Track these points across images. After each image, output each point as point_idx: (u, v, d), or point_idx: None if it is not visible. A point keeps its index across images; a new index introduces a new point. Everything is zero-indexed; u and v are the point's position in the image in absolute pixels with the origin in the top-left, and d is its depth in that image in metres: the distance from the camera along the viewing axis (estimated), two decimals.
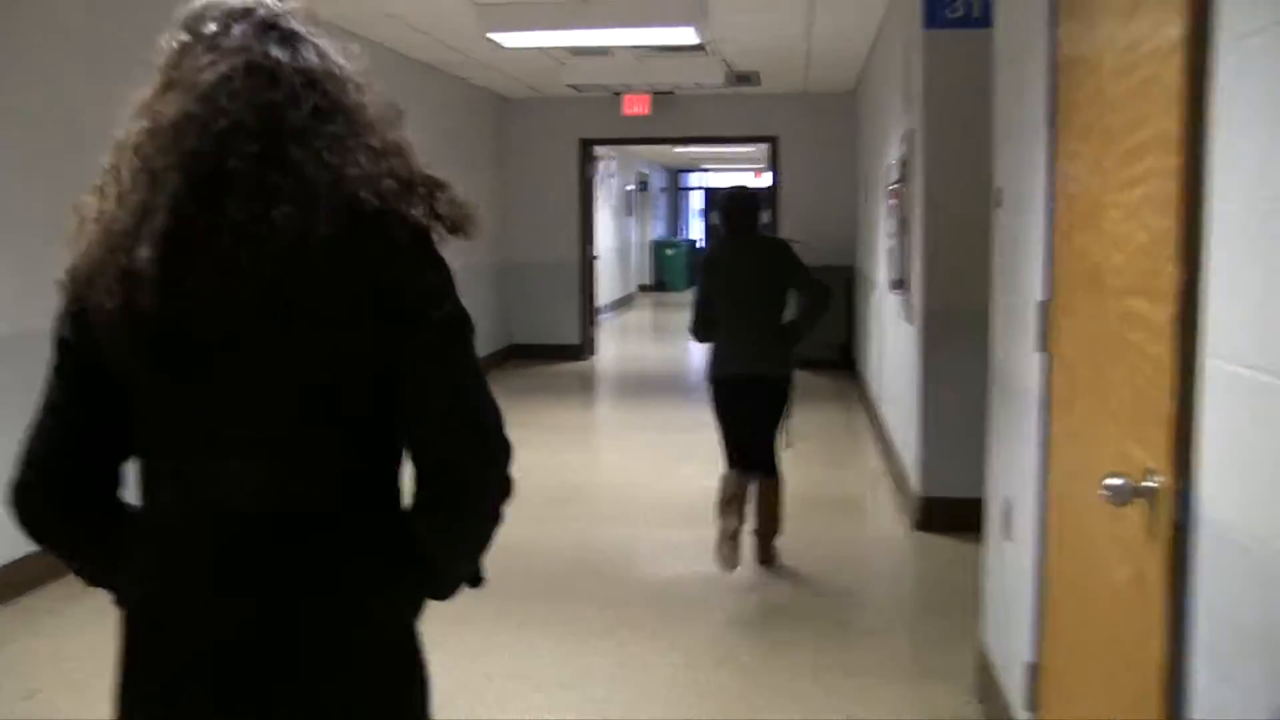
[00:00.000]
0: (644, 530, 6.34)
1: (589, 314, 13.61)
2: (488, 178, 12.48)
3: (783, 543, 5.50)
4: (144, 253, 1.46)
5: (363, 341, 1.50)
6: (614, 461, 8.63)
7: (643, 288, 25.13)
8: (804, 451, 6.95)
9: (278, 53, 1.54)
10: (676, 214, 29.99)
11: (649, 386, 12.16)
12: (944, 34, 5.81)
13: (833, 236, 12.22)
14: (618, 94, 12.32)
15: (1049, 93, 3.02)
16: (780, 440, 5.41)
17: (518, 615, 4.81)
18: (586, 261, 13.44)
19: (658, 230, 27.74)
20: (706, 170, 29.38)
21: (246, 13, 1.57)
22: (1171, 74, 1.98)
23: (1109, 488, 2.10)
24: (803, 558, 5.52)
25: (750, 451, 5.33)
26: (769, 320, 5.36)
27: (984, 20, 5.20)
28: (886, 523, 6.45)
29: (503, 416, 1.56)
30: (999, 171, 3.87)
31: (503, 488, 1.55)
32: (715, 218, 5.07)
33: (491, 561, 1.67)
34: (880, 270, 8.46)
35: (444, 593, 1.66)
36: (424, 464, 1.54)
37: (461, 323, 1.55)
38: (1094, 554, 2.42)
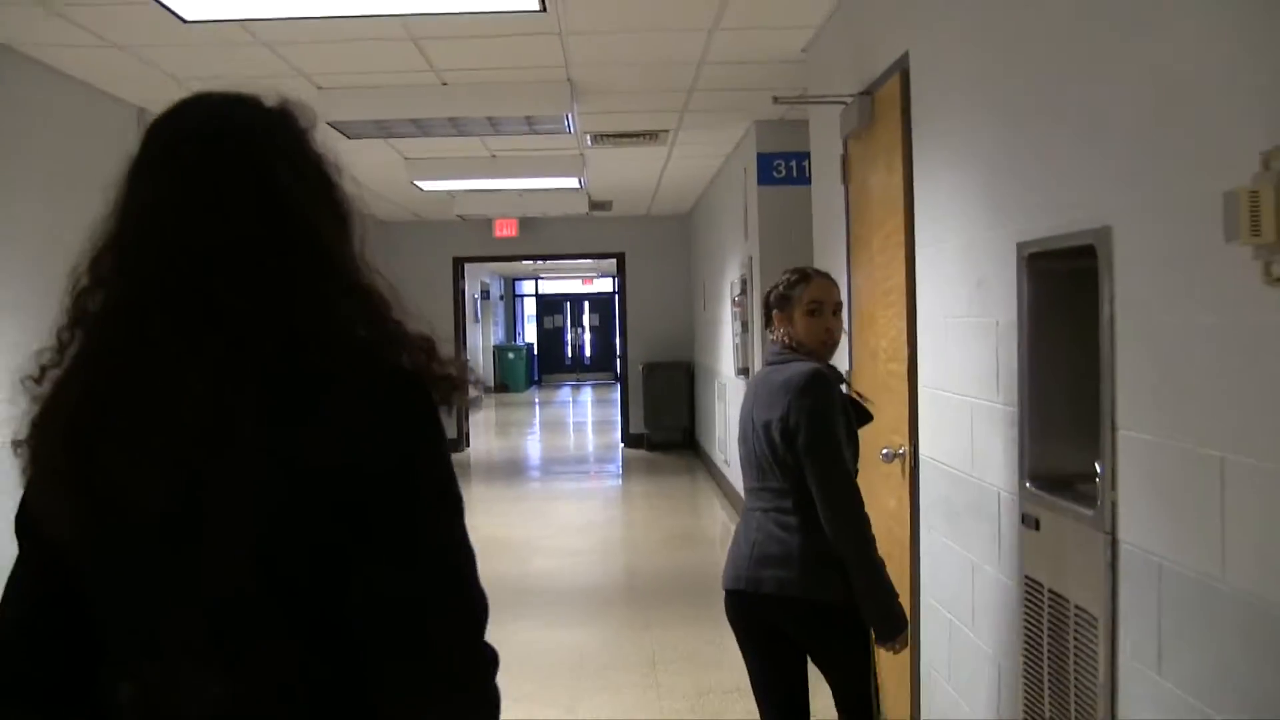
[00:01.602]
0: (531, 561, 8.31)
1: (463, 410, 15.45)
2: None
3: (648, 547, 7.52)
4: (59, 425, 1.32)
5: (316, 531, 1.29)
6: (488, 527, 10.57)
7: (486, 389, 26.99)
8: (665, 505, 9.06)
9: (243, 176, 1.35)
10: (514, 319, 32.01)
11: (517, 469, 14.23)
12: (772, 189, 8.07)
13: (672, 336, 14.60)
14: (489, 219, 14.38)
15: (843, 231, 5.19)
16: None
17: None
18: (460, 368, 15.33)
19: (498, 335, 29.71)
20: (540, 279, 31.57)
21: (213, 134, 1.38)
22: (898, 246, 4.17)
23: (884, 455, 4.23)
24: (695, 574, 7.58)
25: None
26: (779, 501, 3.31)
27: (802, 179, 7.48)
28: None
29: (481, 619, 1.34)
30: None
31: (477, 710, 1.34)
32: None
33: None
34: (725, 362, 10.65)
35: None
36: (378, 678, 1.32)
37: (436, 508, 1.35)
38: (879, 491, 4.52)
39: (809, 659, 3.35)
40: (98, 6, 4.73)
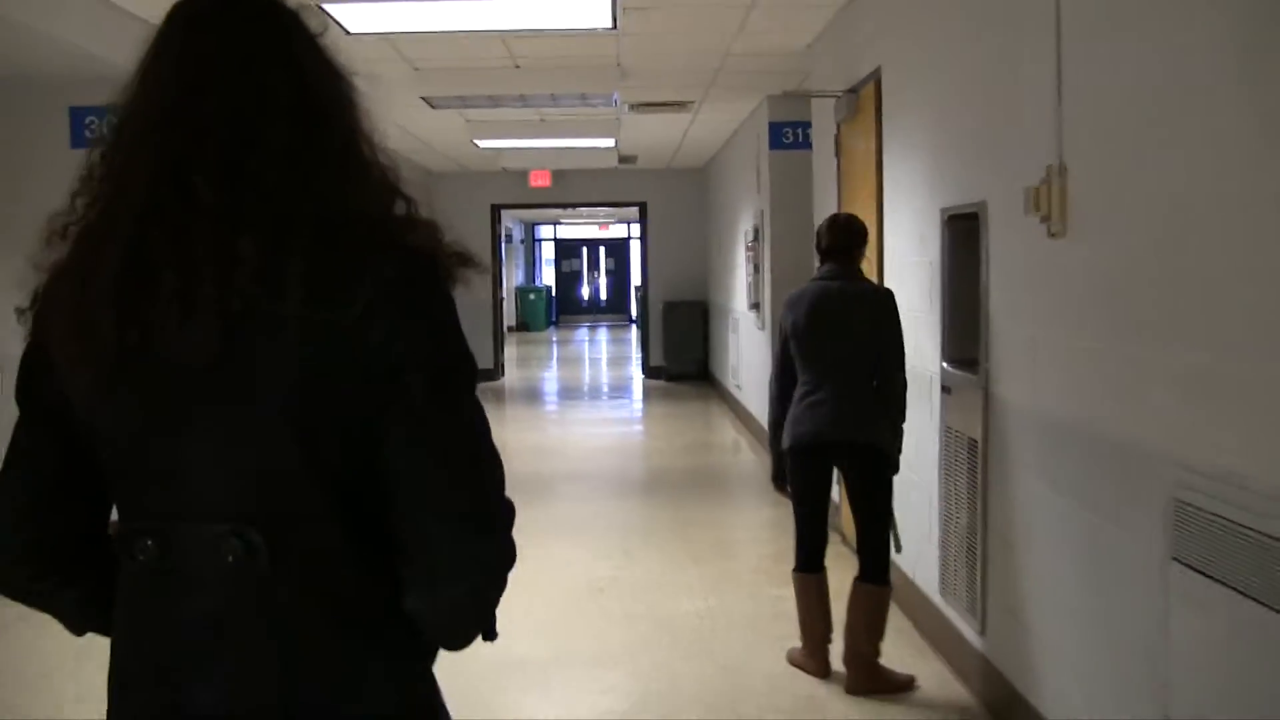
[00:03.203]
0: (573, 458, 10.05)
1: (500, 343, 17.13)
2: None
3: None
4: (103, 279, 1.33)
5: (345, 396, 1.34)
6: (532, 435, 12.29)
7: (509, 328, 28.67)
8: (683, 423, 10.78)
9: (265, 55, 1.39)
10: (533, 263, 33.59)
11: (549, 395, 16.01)
12: (781, 153, 9.64)
13: (688, 277, 16.25)
14: (524, 170, 15.94)
15: (836, 193, 6.80)
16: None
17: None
18: (496, 301, 16.98)
19: (519, 278, 31.29)
20: (559, 224, 33.12)
21: (231, 3, 1.42)
22: (872, 208, 5.78)
23: None
24: (713, 470, 9.26)
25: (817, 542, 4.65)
26: (868, 385, 4.49)
27: (806, 144, 9.06)
28: (749, 453, 10.25)
29: (502, 474, 1.41)
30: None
31: (493, 560, 1.38)
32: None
33: None
34: (737, 299, 12.27)
35: (451, 647, 1.47)
36: (406, 537, 1.37)
37: (460, 374, 1.40)
38: None
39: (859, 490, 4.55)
40: None
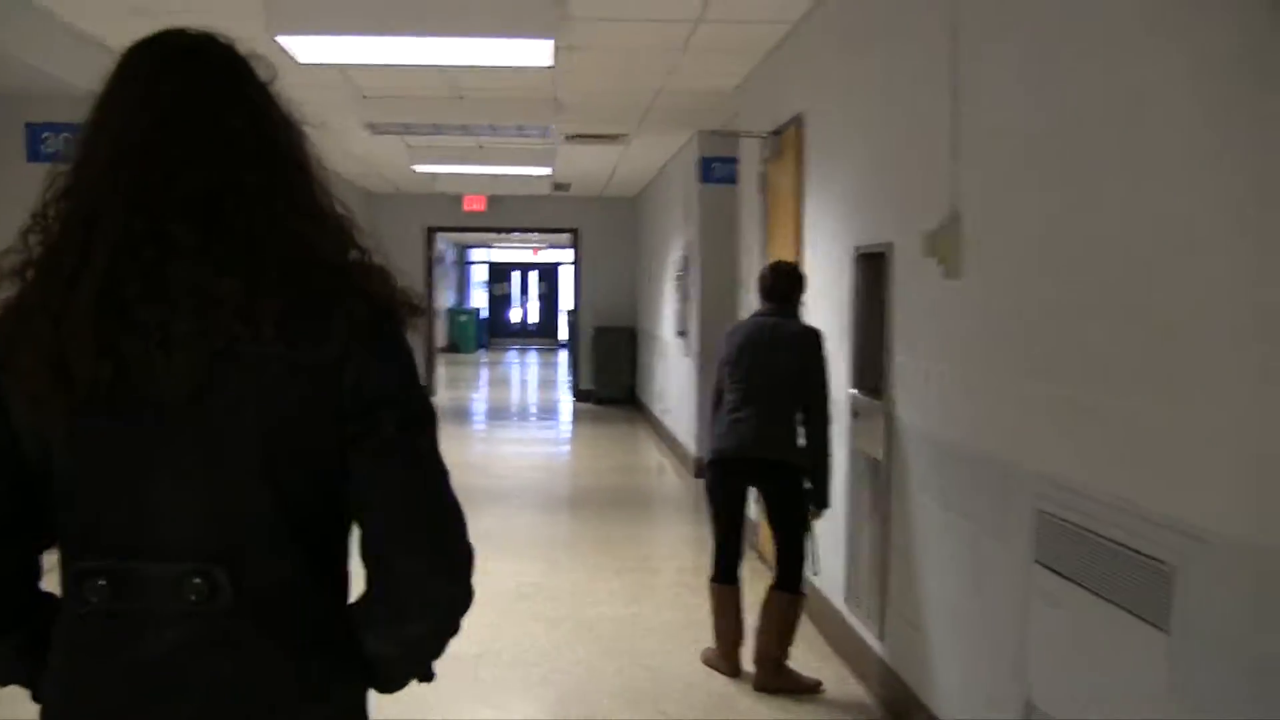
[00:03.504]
0: (502, 475, 10.35)
1: (431, 363, 17.36)
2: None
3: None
4: (79, 313, 1.34)
5: (317, 432, 1.39)
6: (463, 453, 12.57)
7: (439, 349, 28.80)
8: (610, 445, 11.12)
9: (232, 100, 1.43)
10: (464, 285, 33.76)
11: (480, 415, 16.24)
12: (710, 187, 10.05)
13: (618, 303, 16.63)
14: (459, 194, 16.22)
15: (761, 227, 7.20)
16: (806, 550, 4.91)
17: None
18: (429, 321, 17.21)
19: (450, 299, 31.45)
20: (491, 247, 33.33)
21: (196, 49, 1.45)
22: (793, 243, 6.18)
23: None
24: (638, 490, 9.60)
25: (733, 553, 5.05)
26: (788, 408, 4.86)
27: (734, 179, 9.47)
28: (673, 476, 10.60)
29: (464, 520, 1.46)
30: (741, 267, 8.05)
31: (460, 602, 1.44)
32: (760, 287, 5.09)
33: None
34: (665, 326, 12.65)
35: (388, 689, 1.53)
36: (377, 572, 1.42)
37: (426, 416, 1.46)
38: None
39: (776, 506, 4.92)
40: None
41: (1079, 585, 2.89)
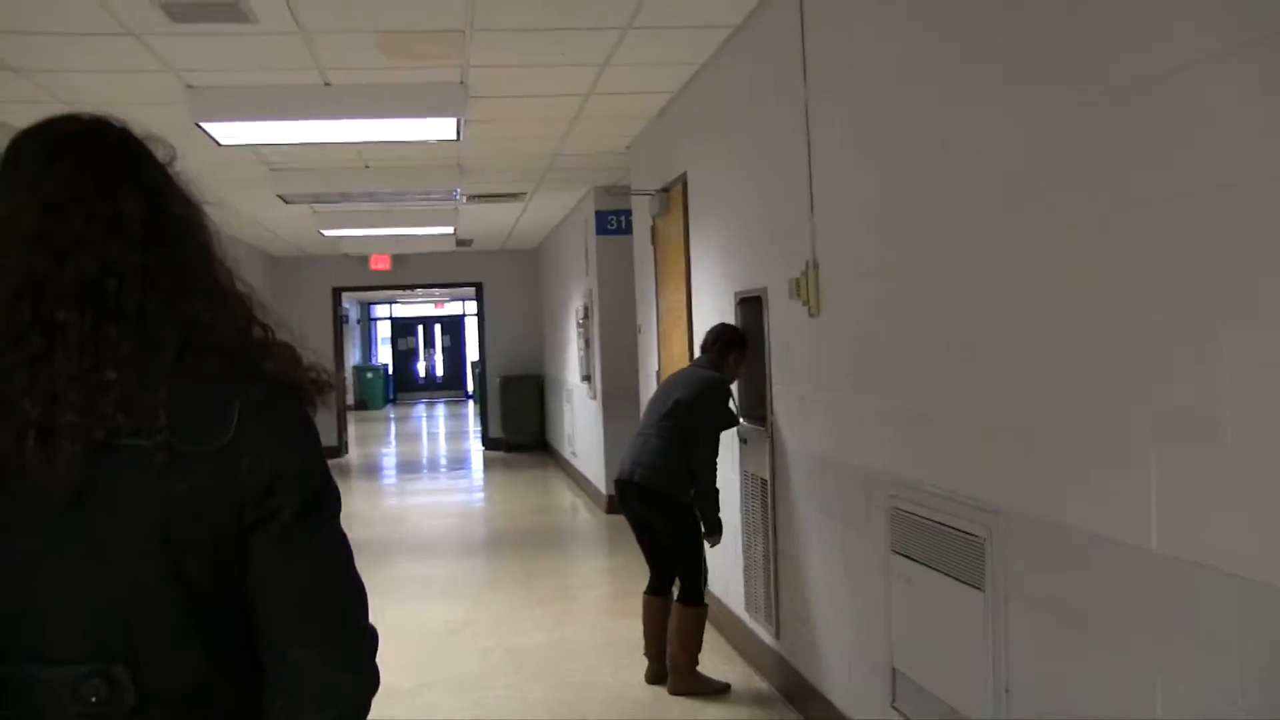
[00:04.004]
0: (420, 526, 10.81)
1: (343, 422, 17.71)
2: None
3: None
4: None
5: (215, 522, 1.35)
6: (380, 505, 12.98)
7: (348, 407, 29.02)
8: (523, 488, 11.68)
9: (125, 183, 1.40)
10: (369, 341, 34.01)
11: (392, 469, 16.65)
12: (606, 238, 10.69)
13: (524, 352, 17.19)
14: (364, 254, 16.67)
15: (654, 281, 7.84)
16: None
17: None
18: (340, 382, 17.53)
19: (355, 357, 31.68)
20: (394, 303, 33.66)
21: (88, 132, 1.44)
22: (683, 290, 6.83)
23: None
24: (554, 529, 10.14)
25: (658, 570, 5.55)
26: (671, 437, 5.31)
27: (629, 230, 10.11)
28: (586, 514, 11.15)
29: (366, 603, 1.45)
30: (639, 314, 8.68)
31: (362, 690, 1.41)
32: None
33: None
34: (571, 372, 13.24)
35: None
36: (274, 665, 1.39)
37: (327, 499, 1.44)
38: None
39: (660, 531, 5.38)
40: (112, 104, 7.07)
41: (924, 565, 3.53)
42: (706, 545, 5.45)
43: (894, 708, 3.83)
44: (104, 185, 1.39)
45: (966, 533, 3.22)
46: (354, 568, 1.46)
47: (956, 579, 3.28)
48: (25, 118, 1.47)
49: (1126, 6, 2.48)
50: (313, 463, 1.43)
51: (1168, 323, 2.36)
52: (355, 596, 1.44)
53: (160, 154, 1.49)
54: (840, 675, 4.51)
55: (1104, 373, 2.59)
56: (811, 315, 4.58)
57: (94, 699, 1.32)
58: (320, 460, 1.45)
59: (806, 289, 4.58)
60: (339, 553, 1.44)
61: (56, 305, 1.34)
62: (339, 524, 1.46)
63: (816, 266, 4.51)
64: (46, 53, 5.21)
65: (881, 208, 3.90)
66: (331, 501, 1.45)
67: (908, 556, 3.66)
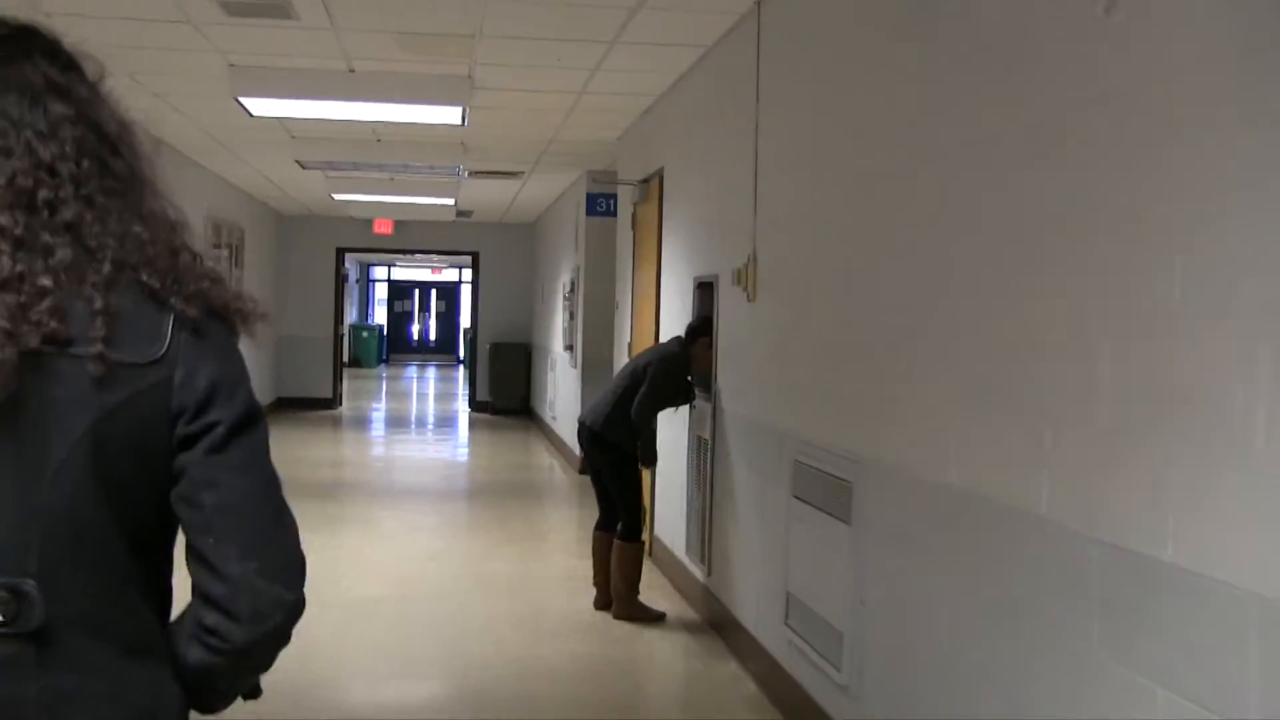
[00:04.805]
0: (406, 473, 11.70)
1: (339, 375, 18.56)
2: (269, 271, 17.29)
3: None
4: None
5: (144, 435, 1.34)
6: (369, 454, 13.87)
7: (343, 364, 29.85)
8: (506, 448, 12.58)
9: (56, 91, 1.38)
10: (367, 302, 34.82)
11: (380, 424, 17.56)
12: (595, 219, 11.52)
13: (514, 321, 18.06)
14: (368, 218, 17.50)
15: (632, 262, 8.69)
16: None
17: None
18: (338, 336, 18.42)
19: (353, 316, 32.50)
20: (393, 266, 34.47)
21: (16, 34, 1.41)
22: (654, 272, 7.69)
23: None
24: (529, 483, 11.04)
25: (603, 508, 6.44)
26: (623, 393, 6.23)
27: (614, 214, 10.96)
28: (561, 473, 12.04)
29: (296, 527, 1.42)
30: (616, 291, 9.54)
31: (293, 608, 1.38)
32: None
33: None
34: (556, 341, 14.11)
35: (212, 707, 1.47)
36: (206, 578, 1.35)
37: (253, 421, 1.40)
38: None
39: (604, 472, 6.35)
40: (163, 75, 7.91)
41: (813, 506, 4.41)
42: (647, 490, 6.35)
43: (786, 624, 4.71)
44: (33, 93, 1.38)
45: (840, 478, 4.09)
46: (281, 490, 1.44)
47: (832, 515, 4.16)
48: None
49: (1019, 57, 3.33)
50: (244, 383, 1.42)
51: (973, 317, 3.22)
52: (290, 518, 1.42)
53: (90, 70, 1.46)
54: (750, 603, 5.39)
55: (928, 353, 3.47)
56: (749, 300, 5.44)
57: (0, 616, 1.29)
58: (247, 383, 1.43)
59: (746, 277, 5.44)
60: (273, 476, 1.42)
61: None
62: (267, 446, 1.43)
63: (755, 259, 5.37)
64: (116, 32, 6.02)
65: (803, 214, 4.76)
66: (263, 426, 1.43)
67: (803, 500, 4.53)
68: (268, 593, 1.36)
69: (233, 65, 6.85)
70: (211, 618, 1.36)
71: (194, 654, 1.39)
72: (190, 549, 1.38)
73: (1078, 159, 2.69)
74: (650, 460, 6.49)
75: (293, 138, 9.66)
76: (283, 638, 1.40)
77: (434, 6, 5.75)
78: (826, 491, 4.25)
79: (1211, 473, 2.16)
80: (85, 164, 1.38)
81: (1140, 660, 2.34)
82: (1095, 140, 2.61)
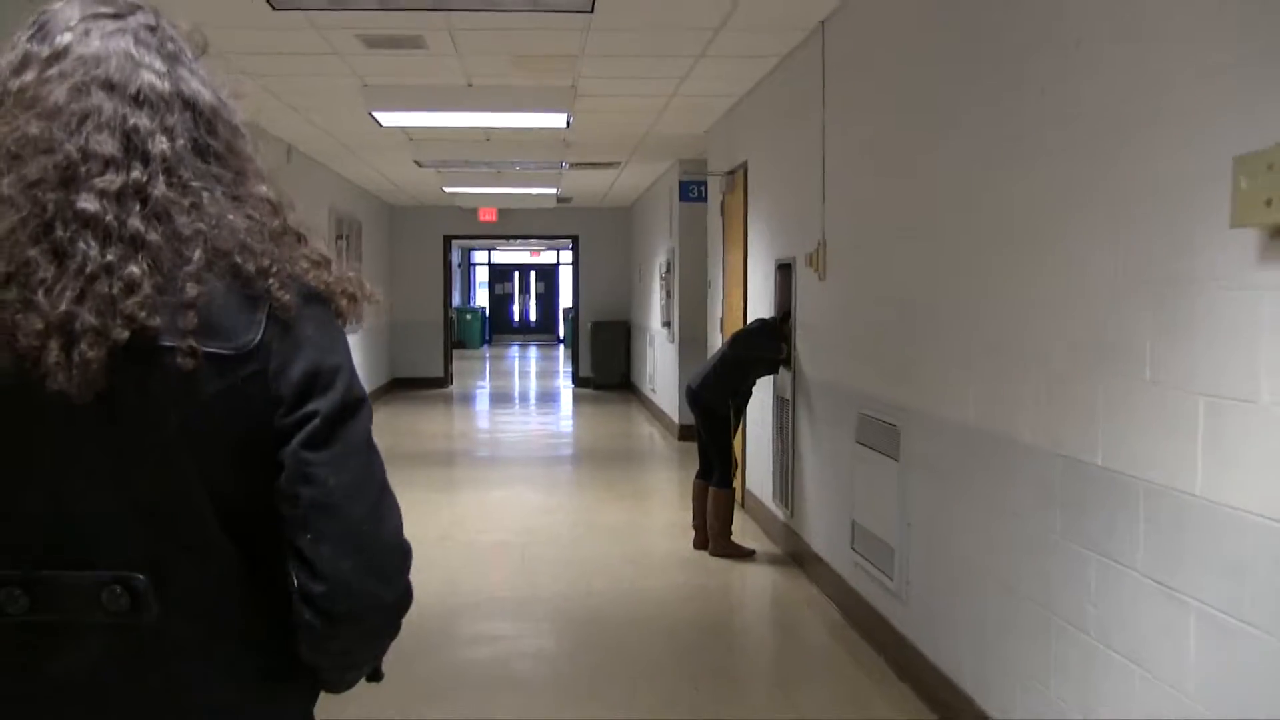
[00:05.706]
0: (517, 442, 12.80)
1: (449, 355, 19.77)
2: (382, 260, 18.51)
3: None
4: None
5: (244, 426, 1.30)
6: (481, 425, 15.00)
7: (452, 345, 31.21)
8: (608, 420, 13.62)
9: (151, 68, 1.34)
10: (469, 285, 36.14)
11: (489, 400, 18.80)
12: (688, 204, 12.44)
13: (613, 300, 19.08)
14: (473, 207, 18.62)
15: (722, 245, 9.62)
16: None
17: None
18: (447, 319, 19.63)
19: (455, 299, 33.80)
20: (493, 250, 35.73)
21: (116, 15, 1.36)
22: (740, 255, 8.61)
23: None
24: (631, 450, 12.07)
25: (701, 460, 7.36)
26: (721, 364, 7.30)
27: (705, 200, 11.87)
28: (661, 440, 13.03)
29: (400, 517, 1.37)
30: (710, 270, 10.47)
31: (393, 606, 1.35)
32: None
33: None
34: (654, 319, 15.08)
35: (334, 690, 1.47)
36: (303, 575, 1.32)
37: (352, 410, 1.34)
38: None
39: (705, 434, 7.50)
40: (305, 94, 9.00)
41: (871, 449, 5.32)
42: (739, 447, 7.31)
43: (852, 548, 5.64)
44: (133, 71, 1.33)
45: (890, 423, 5.00)
46: (388, 484, 1.38)
47: (886, 455, 5.07)
48: (247, 110, 1.46)
49: (1029, 77, 4.21)
50: (344, 370, 1.36)
51: (985, 290, 4.11)
52: (392, 509, 1.37)
53: (190, 47, 1.42)
54: (822, 533, 6.32)
55: (951, 318, 4.36)
56: (820, 280, 6.34)
57: (114, 608, 1.28)
58: (352, 370, 1.37)
59: (817, 260, 6.34)
60: (375, 465, 1.36)
61: (81, 192, 1.26)
62: (369, 433, 1.38)
63: (824, 244, 6.27)
64: (273, 64, 7.10)
65: (860, 204, 5.66)
66: (365, 413, 1.37)
67: (864, 444, 5.44)
68: (364, 594, 1.33)
69: (367, 85, 7.91)
70: (309, 616, 1.33)
71: (301, 651, 1.37)
72: (290, 545, 1.33)
73: (1046, 169, 3.56)
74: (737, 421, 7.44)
75: (410, 140, 10.74)
76: (384, 636, 1.39)
77: (544, 33, 6.72)
78: (881, 436, 5.15)
79: (1123, 397, 3.05)
80: (179, 144, 1.33)
81: (1080, 536, 3.24)
82: (1066, 149, 3.49)
